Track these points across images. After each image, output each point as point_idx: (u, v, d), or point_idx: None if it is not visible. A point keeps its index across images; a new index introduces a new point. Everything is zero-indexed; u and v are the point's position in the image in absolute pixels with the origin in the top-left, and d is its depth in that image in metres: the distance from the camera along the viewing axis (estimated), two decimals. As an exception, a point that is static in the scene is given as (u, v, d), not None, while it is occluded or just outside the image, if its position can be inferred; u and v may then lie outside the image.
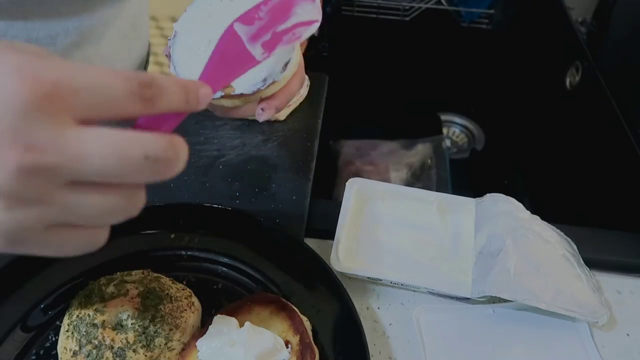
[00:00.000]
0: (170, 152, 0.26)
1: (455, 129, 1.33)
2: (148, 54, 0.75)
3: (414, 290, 0.56)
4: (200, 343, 0.44)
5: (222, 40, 0.35)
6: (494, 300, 0.54)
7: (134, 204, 0.27)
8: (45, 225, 0.25)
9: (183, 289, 0.50)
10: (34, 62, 0.24)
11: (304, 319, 0.47)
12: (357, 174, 1.06)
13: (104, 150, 0.24)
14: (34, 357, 0.47)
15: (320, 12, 0.36)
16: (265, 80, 0.40)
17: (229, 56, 0.34)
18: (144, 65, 0.73)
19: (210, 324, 0.45)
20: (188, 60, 0.40)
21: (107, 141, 0.24)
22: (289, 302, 0.48)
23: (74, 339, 0.44)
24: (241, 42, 0.35)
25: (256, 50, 0.35)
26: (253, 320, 0.45)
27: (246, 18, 0.35)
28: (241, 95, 0.40)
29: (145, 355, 0.43)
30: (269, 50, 0.35)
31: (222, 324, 0.44)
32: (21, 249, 0.26)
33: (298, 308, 0.50)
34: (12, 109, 0.23)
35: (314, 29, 0.36)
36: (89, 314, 0.45)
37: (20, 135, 0.23)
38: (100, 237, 0.28)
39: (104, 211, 0.26)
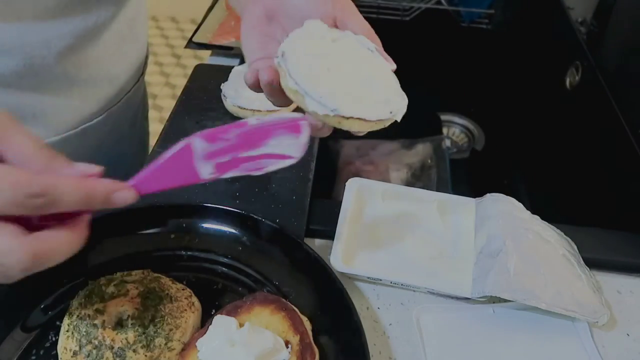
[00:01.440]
0: (28, 264, 0.31)
1: (455, 129, 1.33)
2: (147, 56, 0.75)
3: (414, 290, 0.56)
4: (200, 343, 0.44)
5: (174, 152, 0.34)
6: (494, 300, 0.54)
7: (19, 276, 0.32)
8: None
9: (183, 289, 0.50)
10: None
11: (304, 318, 0.47)
12: (357, 173, 1.06)
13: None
14: (34, 357, 0.47)
15: (302, 150, 0.34)
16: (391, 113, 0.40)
17: (174, 168, 0.34)
18: (142, 66, 0.73)
19: (211, 324, 0.45)
20: (308, 75, 0.39)
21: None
22: (288, 302, 0.47)
23: (74, 339, 0.44)
24: (191, 158, 0.34)
25: (205, 169, 0.34)
26: (253, 321, 0.45)
27: (210, 136, 0.34)
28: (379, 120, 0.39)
29: (145, 356, 0.43)
30: (220, 172, 0.34)
31: (222, 324, 0.44)
32: None
33: (298, 308, 0.50)
34: None
35: (285, 164, 0.34)
36: (89, 314, 0.45)
37: None
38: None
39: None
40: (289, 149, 0.34)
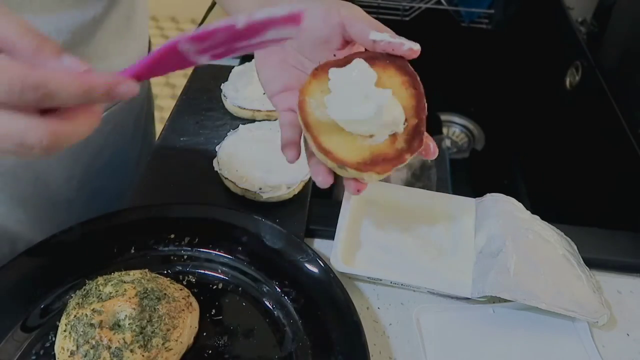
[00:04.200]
0: (47, 141, 0.30)
1: (455, 129, 1.33)
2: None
3: (414, 290, 0.56)
4: (335, 73, 0.40)
5: (160, 52, 0.33)
6: (494, 300, 0.54)
7: (33, 155, 0.31)
8: None
9: (181, 289, 0.50)
10: None
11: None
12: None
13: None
14: (34, 357, 0.47)
15: (302, 33, 0.35)
16: None
17: (167, 60, 0.33)
18: None
19: (350, 62, 0.41)
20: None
21: None
22: (421, 84, 0.42)
23: (72, 338, 0.44)
24: (182, 56, 0.33)
25: (201, 59, 0.33)
26: (384, 82, 0.41)
27: (197, 37, 0.32)
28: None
29: (143, 356, 0.43)
30: (218, 57, 0.33)
31: (363, 72, 0.40)
32: None
33: (298, 308, 0.50)
34: None
35: (284, 41, 0.33)
36: (86, 314, 0.45)
37: None
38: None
39: (16, 142, 0.30)
40: (290, 34, 0.33)
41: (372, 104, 0.38)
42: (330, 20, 0.43)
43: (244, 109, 0.72)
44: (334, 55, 0.44)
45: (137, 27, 0.68)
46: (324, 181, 0.41)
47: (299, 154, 0.43)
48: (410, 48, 0.41)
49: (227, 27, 0.31)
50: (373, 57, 0.42)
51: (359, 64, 0.40)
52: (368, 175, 0.39)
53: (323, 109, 0.40)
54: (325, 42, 0.44)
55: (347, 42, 0.44)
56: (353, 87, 0.39)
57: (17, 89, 0.28)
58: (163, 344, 0.45)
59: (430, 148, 0.42)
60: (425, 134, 0.41)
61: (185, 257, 0.55)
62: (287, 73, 0.45)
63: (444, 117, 1.31)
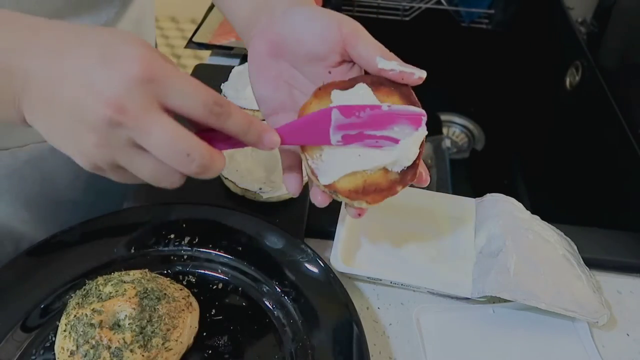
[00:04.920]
0: (207, 160, 0.34)
1: (455, 129, 1.33)
2: None
3: (414, 290, 0.56)
4: (338, 96, 0.40)
5: (316, 114, 0.39)
6: (494, 300, 0.54)
7: (177, 182, 0.35)
8: (116, 165, 0.35)
9: (181, 289, 0.50)
10: (152, 55, 0.33)
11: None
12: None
13: (163, 135, 0.32)
14: (34, 357, 0.47)
15: (418, 141, 0.38)
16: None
17: (312, 127, 0.39)
18: None
19: (352, 87, 0.41)
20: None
21: (169, 131, 0.32)
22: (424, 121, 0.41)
23: (71, 338, 0.44)
24: (328, 124, 0.38)
25: (335, 137, 0.38)
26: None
27: (347, 110, 0.38)
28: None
29: (143, 355, 0.43)
30: (345, 142, 0.39)
31: (364, 95, 0.40)
32: (98, 170, 0.35)
33: (298, 308, 0.50)
34: (126, 81, 0.32)
35: (398, 152, 0.38)
36: (86, 314, 0.45)
37: (120, 101, 0.31)
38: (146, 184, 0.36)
39: (154, 175, 0.35)
40: (405, 137, 0.38)
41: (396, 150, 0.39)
42: (329, 36, 0.41)
43: (244, 109, 0.72)
44: (329, 72, 0.43)
45: (145, 30, 0.68)
46: (322, 202, 0.42)
47: (302, 183, 0.44)
48: (420, 77, 0.40)
49: (373, 107, 0.38)
50: (377, 82, 0.41)
51: (362, 89, 0.40)
52: (358, 202, 0.40)
53: None
54: (320, 59, 0.42)
55: (344, 60, 0.42)
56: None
57: (211, 102, 0.33)
58: (163, 344, 0.45)
59: (422, 177, 0.42)
60: (420, 161, 0.41)
61: (185, 257, 0.55)
62: (281, 92, 0.44)
63: (444, 117, 1.31)
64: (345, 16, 0.42)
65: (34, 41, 0.34)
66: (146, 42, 0.34)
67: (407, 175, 0.40)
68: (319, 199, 0.42)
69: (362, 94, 0.40)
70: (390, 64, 0.40)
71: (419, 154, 0.40)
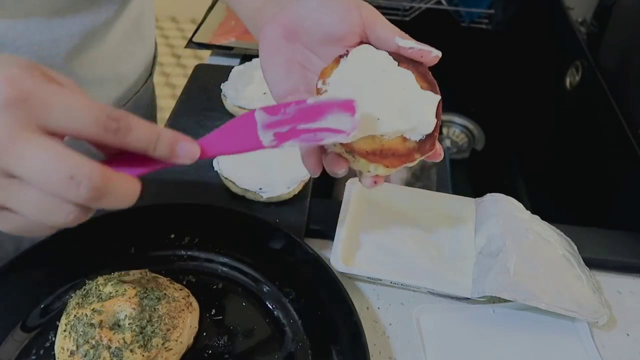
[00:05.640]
0: (98, 182, 0.29)
1: (455, 129, 1.33)
2: (155, 56, 0.75)
3: (414, 290, 0.56)
4: (363, 51, 0.40)
5: (238, 119, 0.36)
6: (494, 300, 0.54)
7: (73, 219, 0.31)
8: None
9: (181, 289, 0.50)
10: (23, 74, 0.29)
11: None
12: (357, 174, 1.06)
13: (37, 158, 0.28)
14: (34, 357, 0.47)
15: (355, 126, 0.36)
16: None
17: (237, 133, 0.36)
18: (150, 66, 0.73)
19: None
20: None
21: (45, 152, 0.28)
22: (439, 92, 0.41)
23: (71, 338, 0.44)
24: (254, 126, 0.36)
25: (266, 137, 0.36)
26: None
27: (271, 109, 0.36)
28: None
29: (143, 355, 0.43)
30: (280, 141, 0.36)
31: (383, 60, 0.40)
32: None
33: (298, 308, 0.50)
34: None
35: (341, 138, 0.36)
36: (86, 314, 0.45)
37: None
38: (48, 229, 0.32)
39: (41, 210, 0.30)
40: (344, 125, 0.36)
41: (418, 108, 0.38)
42: (349, 19, 0.41)
43: (244, 109, 0.72)
44: (347, 51, 0.43)
45: (145, 30, 0.68)
46: (338, 167, 0.40)
47: (321, 163, 0.42)
48: (437, 55, 0.41)
49: (298, 102, 0.36)
50: (396, 59, 0.41)
51: (383, 56, 0.40)
52: (375, 167, 0.39)
53: (340, 89, 0.40)
54: (339, 40, 0.42)
55: (361, 41, 0.43)
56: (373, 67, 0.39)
57: (103, 117, 0.30)
58: (163, 344, 0.45)
59: (437, 151, 0.41)
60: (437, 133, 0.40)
61: (185, 257, 0.55)
62: (294, 74, 0.43)
63: (444, 117, 1.31)
64: (365, 2, 0.43)
65: None
66: (26, 62, 0.30)
67: (426, 144, 0.39)
68: (335, 165, 0.40)
69: (386, 58, 0.40)
70: (409, 43, 0.41)
71: (437, 124, 0.39)
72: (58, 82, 0.30)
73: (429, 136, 0.39)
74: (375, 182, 0.41)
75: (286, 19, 0.43)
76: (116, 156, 0.33)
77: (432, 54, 0.41)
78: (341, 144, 0.38)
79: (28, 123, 0.28)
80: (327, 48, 0.43)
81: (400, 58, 0.41)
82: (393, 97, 0.39)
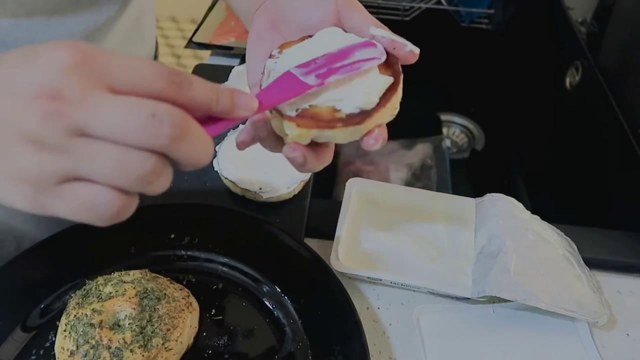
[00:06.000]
0: (181, 120, 0.28)
1: (455, 129, 1.33)
2: (155, 56, 0.75)
3: (414, 290, 0.56)
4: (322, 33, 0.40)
5: (279, 78, 0.37)
6: (494, 300, 0.54)
7: (152, 171, 0.29)
8: (65, 174, 0.28)
9: (181, 289, 0.50)
10: (81, 42, 0.29)
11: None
12: (357, 173, 1.06)
13: (114, 109, 0.27)
14: (34, 357, 0.47)
15: (384, 52, 0.37)
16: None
17: (283, 86, 0.37)
18: None
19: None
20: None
21: (124, 101, 0.27)
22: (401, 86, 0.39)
23: (71, 338, 0.44)
24: (295, 78, 0.37)
25: (309, 79, 0.37)
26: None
27: (302, 65, 0.37)
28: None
29: (143, 355, 0.43)
30: (323, 78, 0.36)
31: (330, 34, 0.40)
32: (44, 201, 0.29)
33: (298, 308, 0.50)
34: (55, 68, 0.27)
35: (375, 63, 0.37)
36: (86, 314, 0.45)
37: (54, 89, 0.27)
38: (118, 203, 0.30)
39: (120, 168, 0.28)
40: (373, 54, 0.38)
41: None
42: (325, 7, 0.41)
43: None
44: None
45: (146, 30, 0.68)
46: (240, 144, 0.40)
47: (250, 142, 0.40)
48: (412, 51, 0.39)
49: (324, 55, 0.38)
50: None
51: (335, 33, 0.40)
52: (287, 124, 0.36)
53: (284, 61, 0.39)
54: (314, 28, 0.42)
55: None
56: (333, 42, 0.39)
57: (166, 71, 0.29)
58: (163, 344, 0.45)
59: (372, 134, 0.37)
60: (384, 126, 0.38)
61: (185, 257, 0.55)
62: None
63: (444, 117, 1.31)
64: None
65: None
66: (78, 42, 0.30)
67: (355, 119, 0.36)
68: (256, 118, 0.38)
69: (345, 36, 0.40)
70: (382, 32, 0.39)
71: (379, 106, 0.36)
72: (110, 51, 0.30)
73: (364, 113, 0.36)
74: (293, 150, 0.37)
75: (272, 9, 0.44)
76: None
77: (406, 47, 0.39)
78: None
79: (97, 82, 0.28)
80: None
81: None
82: None
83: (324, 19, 0.41)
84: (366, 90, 0.37)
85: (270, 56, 0.40)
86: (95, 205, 0.29)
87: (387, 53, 0.39)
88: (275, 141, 0.39)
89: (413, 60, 0.39)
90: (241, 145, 0.40)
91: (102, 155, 0.27)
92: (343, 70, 0.36)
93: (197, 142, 0.30)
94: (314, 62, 0.37)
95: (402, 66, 0.40)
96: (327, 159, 0.40)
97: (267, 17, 0.44)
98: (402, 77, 0.38)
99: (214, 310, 0.51)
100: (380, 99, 0.37)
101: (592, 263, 0.58)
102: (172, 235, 0.56)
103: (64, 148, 0.27)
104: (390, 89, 0.37)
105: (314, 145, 0.38)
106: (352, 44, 0.37)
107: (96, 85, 0.28)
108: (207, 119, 0.32)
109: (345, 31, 0.41)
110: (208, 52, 0.93)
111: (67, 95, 0.27)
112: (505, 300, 0.53)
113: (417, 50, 0.39)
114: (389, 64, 0.39)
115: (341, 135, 0.37)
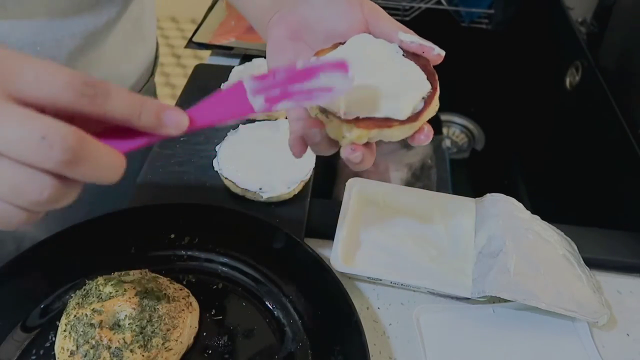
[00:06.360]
0: (73, 142, 0.26)
1: (455, 129, 1.33)
2: (156, 57, 0.75)
3: (414, 290, 0.56)
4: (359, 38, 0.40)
5: (227, 89, 0.35)
6: (494, 300, 0.54)
7: (48, 198, 0.27)
8: None
9: (181, 289, 0.50)
10: None
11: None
12: (357, 174, 1.06)
13: (8, 124, 0.25)
14: (34, 357, 0.47)
15: (350, 83, 0.35)
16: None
17: (226, 102, 0.35)
18: (152, 66, 0.73)
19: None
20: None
21: (17, 117, 0.26)
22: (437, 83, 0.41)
23: (72, 338, 0.44)
24: (244, 94, 0.35)
25: (257, 102, 0.35)
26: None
27: (260, 76, 0.35)
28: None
29: (143, 355, 0.43)
30: (271, 103, 0.35)
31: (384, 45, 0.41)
32: None
33: (298, 308, 0.50)
34: None
35: (334, 96, 0.35)
36: (86, 314, 0.45)
37: None
38: (23, 215, 0.28)
39: (14, 184, 0.26)
40: (338, 83, 0.35)
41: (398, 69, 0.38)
42: (352, 15, 0.42)
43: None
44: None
45: (146, 30, 0.68)
46: (310, 125, 0.39)
47: (306, 148, 0.42)
48: (439, 54, 0.41)
49: (287, 68, 0.35)
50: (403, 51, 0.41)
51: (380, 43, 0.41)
52: (348, 128, 0.37)
53: None
54: (342, 37, 0.42)
55: None
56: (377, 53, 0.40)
57: (77, 82, 0.27)
58: (163, 344, 0.45)
59: (424, 131, 0.39)
60: (428, 124, 0.40)
61: (185, 257, 0.55)
62: None
63: (444, 117, 1.31)
64: None
65: None
66: None
67: (410, 118, 0.38)
68: (312, 127, 0.39)
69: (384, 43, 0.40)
70: (410, 37, 0.41)
71: (430, 99, 0.39)
72: (25, 54, 0.28)
73: (415, 115, 0.38)
74: (353, 150, 0.38)
75: (292, 19, 0.44)
76: (101, 133, 0.30)
77: (433, 51, 0.41)
78: (319, 106, 0.37)
79: (0, 89, 0.26)
80: (329, 45, 0.43)
81: (407, 52, 0.41)
82: (384, 80, 0.39)
83: (351, 27, 0.42)
84: (412, 98, 0.38)
85: None
86: None
87: (418, 55, 0.41)
88: (328, 144, 0.40)
89: (439, 61, 0.41)
90: (300, 155, 0.41)
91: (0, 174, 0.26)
92: (297, 98, 0.35)
93: (97, 163, 0.28)
94: (272, 76, 0.35)
95: None
96: (374, 153, 0.41)
97: (285, 27, 0.44)
98: (437, 76, 0.40)
99: (214, 310, 0.51)
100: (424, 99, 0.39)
101: (592, 263, 0.58)
102: (172, 235, 0.56)
103: None
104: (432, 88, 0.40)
105: (365, 143, 0.39)
106: (323, 63, 0.35)
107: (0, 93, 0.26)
108: (130, 129, 0.30)
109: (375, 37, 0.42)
110: (208, 52, 0.93)
111: None
112: (505, 300, 0.53)
113: (443, 53, 0.41)
114: (422, 64, 0.41)
115: (397, 134, 0.38)
